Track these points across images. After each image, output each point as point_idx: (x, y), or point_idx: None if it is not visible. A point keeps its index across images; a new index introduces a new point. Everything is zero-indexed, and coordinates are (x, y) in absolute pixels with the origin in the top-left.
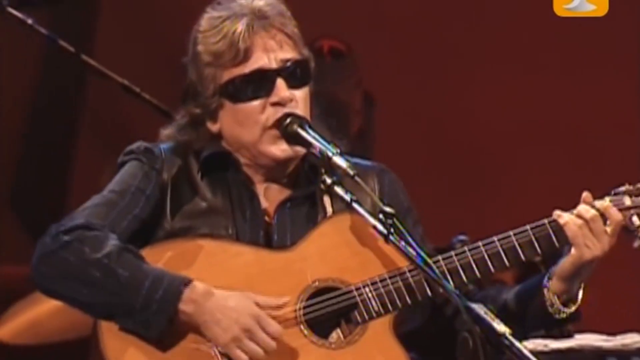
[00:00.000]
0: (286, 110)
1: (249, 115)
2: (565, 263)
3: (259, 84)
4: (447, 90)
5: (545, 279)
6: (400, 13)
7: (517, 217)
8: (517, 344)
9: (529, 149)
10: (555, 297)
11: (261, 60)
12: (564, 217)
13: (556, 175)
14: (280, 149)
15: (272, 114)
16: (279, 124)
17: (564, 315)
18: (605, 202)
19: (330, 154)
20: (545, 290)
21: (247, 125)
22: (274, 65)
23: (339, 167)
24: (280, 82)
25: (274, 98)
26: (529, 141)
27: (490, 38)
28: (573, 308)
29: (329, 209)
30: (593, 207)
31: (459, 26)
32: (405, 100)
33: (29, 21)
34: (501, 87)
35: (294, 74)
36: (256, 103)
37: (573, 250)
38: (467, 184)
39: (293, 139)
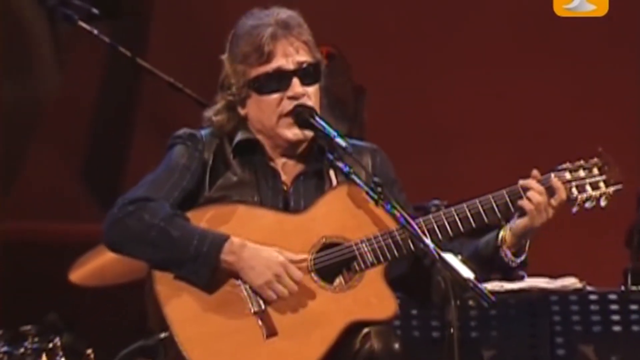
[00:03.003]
0: (300, 103)
1: (269, 105)
2: (518, 223)
3: (278, 81)
4: (440, 88)
5: (500, 235)
6: (392, 17)
7: (481, 187)
8: (479, 285)
9: (513, 141)
10: (508, 249)
11: (281, 61)
12: (529, 189)
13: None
14: (293, 133)
15: (287, 105)
16: (292, 113)
17: (514, 264)
18: (552, 179)
19: (332, 136)
20: (499, 245)
21: (267, 113)
22: (291, 66)
23: (339, 146)
24: (295, 80)
25: (289, 93)
26: (515, 134)
27: (490, 37)
28: (521, 258)
29: (334, 181)
30: (543, 183)
31: (457, 25)
32: (389, 90)
33: (95, 32)
34: (500, 86)
35: (307, 73)
36: (276, 96)
37: (525, 217)
38: (442, 159)
39: (304, 124)
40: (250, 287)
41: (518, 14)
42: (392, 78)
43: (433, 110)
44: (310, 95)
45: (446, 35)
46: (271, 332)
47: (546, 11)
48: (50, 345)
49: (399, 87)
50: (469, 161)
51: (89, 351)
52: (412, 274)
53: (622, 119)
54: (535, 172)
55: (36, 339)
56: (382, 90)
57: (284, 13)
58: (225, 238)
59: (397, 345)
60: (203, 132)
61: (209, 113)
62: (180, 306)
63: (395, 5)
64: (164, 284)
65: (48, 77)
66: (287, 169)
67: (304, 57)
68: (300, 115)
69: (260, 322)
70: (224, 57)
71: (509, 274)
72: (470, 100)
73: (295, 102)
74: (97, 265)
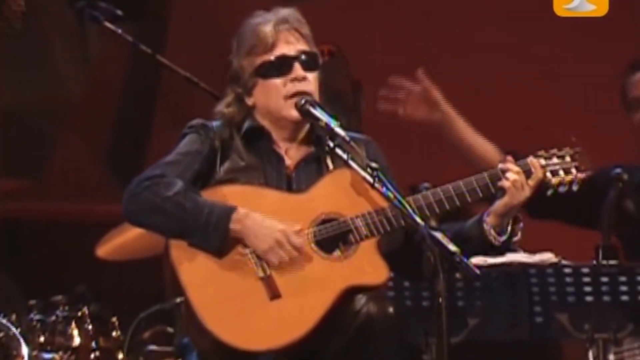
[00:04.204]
0: (301, 86)
1: (275, 88)
2: (500, 202)
3: (281, 66)
4: (436, 85)
5: (485, 215)
6: (390, 18)
7: (470, 173)
8: (464, 259)
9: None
10: (491, 229)
11: (283, 49)
12: (507, 170)
13: None
14: (295, 113)
15: (290, 88)
16: (297, 103)
17: (497, 243)
18: (528, 161)
19: (333, 126)
20: (484, 224)
21: (273, 97)
22: (292, 53)
23: (339, 135)
24: (297, 65)
25: (292, 75)
26: (514, 131)
27: (490, 37)
28: (503, 238)
29: (330, 166)
30: (518, 165)
31: (456, 24)
32: (385, 85)
33: (119, 31)
34: (499, 85)
35: (307, 60)
36: (279, 80)
37: (505, 196)
38: (433, 148)
39: (307, 115)
40: (256, 254)
41: (518, 14)
42: (388, 74)
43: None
44: (311, 80)
45: (445, 34)
46: (275, 295)
47: (546, 11)
48: (79, 313)
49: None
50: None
51: (114, 319)
52: (404, 251)
53: (623, 117)
54: (509, 157)
55: (66, 308)
56: (379, 85)
57: (284, 11)
58: (232, 209)
59: (391, 309)
60: (214, 123)
61: (219, 107)
62: (194, 272)
63: (394, 5)
64: (179, 251)
65: (71, 73)
66: (290, 154)
67: (303, 47)
68: (303, 107)
69: (265, 286)
70: (232, 55)
71: (491, 252)
72: (468, 99)
73: (298, 85)
74: (121, 242)
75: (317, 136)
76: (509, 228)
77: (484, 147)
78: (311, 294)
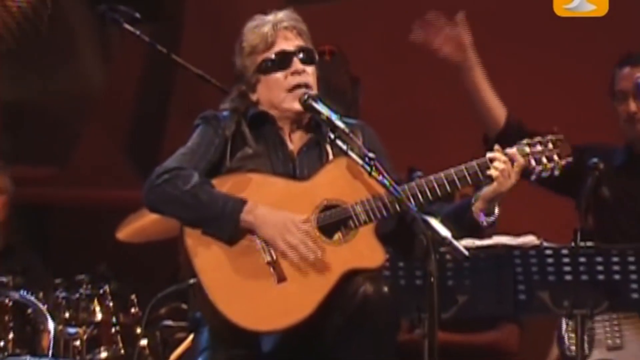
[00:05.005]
0: (301, 78)
1: (276, 83)
2: (488, 189)
3: (282, 61)
4: (434, 83)
5: (473, 199)
6: (388, 18)
7: (458, 161)
8: (454, 241)
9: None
10: (480, 212)
11: (283, 45)
12: (495, 159)
13: None
14: (297, 105)
15: (291, 80)
16: (300, 98)
17: (485, 224)
18: (513, 150)
19: (332, 118)
20: (472, 207)
21: (275, 91)
22: (291, 48)
23: (338, 127)
24: (296, 59)
25: (292, 69)
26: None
27: (490, 37)
28: (491, 219)
29: (330, 154)
30: (505, 154)
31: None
32: (382, 82)
33: (137, 32)
34: (499, 85)
35: (305, 55)
36: (280, 74)
37: (494, 183)
38: (423, 139)
39: (309, 108)
40: (264, 241)
41: (518, 13)
42: (385, 71)
43: (421, 101)
44: (309, 73)
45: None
46: (281, 278)
47: (546, 11)
48: (101, 291)
49: (390, 79)
50: (449, 142)
51: (133, 296)
52: (398, 232)
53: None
54: (497, 146)
55: (89, 286)
56: (376, 81)
57: (281, 12)
58: (244, 202)
59: (386, 289)
60: (224, 114)
61: (225, 104)
62: (206, 257)
63: (392, 6)
64: (193, 238)
65: (94, 70)
66: (294, 139)
67: (300, 42)
68: (306, 102)
69: (272, 270)
70: (235, 56)
71: (479, 233)
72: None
73: (297, 78)
74: (139, 225)
75: (316, 123)
76: (497, 210)
77: (493, 102)
78: (314, 277)
